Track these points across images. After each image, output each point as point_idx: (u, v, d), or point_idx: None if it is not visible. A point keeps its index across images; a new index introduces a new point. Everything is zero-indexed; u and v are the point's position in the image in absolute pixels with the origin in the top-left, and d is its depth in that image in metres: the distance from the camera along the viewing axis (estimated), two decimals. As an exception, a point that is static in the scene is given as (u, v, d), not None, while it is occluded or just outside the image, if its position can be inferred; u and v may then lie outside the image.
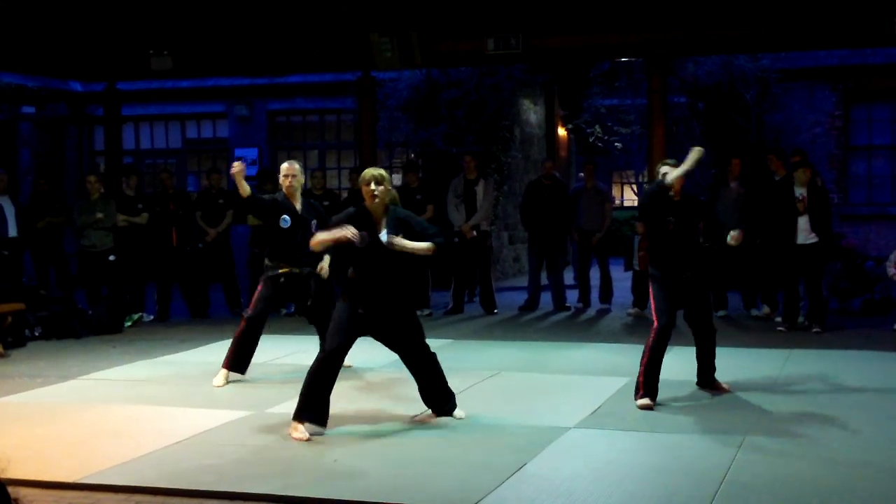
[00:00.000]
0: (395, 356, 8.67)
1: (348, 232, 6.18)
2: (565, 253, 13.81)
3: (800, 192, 10.50)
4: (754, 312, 11.81)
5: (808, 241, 10.49)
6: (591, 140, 17.48)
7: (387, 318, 6.47)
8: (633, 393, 7.20)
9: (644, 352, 7.20)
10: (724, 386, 7.60)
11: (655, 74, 11.98)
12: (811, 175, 10.63)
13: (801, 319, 10.78)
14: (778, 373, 8.28)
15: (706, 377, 7.62)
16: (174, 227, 12.59)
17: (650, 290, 7.36)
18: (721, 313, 11.74)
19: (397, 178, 14.83)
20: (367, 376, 8.36)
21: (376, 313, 6.43)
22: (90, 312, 11.37)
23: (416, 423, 6.71)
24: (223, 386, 8.03)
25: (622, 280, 13.34)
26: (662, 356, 7.20)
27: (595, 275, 13.06)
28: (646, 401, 7.03)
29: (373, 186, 6.33)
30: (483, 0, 11.62)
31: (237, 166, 7.79)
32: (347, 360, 7.51)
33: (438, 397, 6.77)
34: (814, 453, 5.82)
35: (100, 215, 11.88)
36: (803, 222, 10.49)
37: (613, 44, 12.23)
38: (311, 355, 9.38)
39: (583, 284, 13.11)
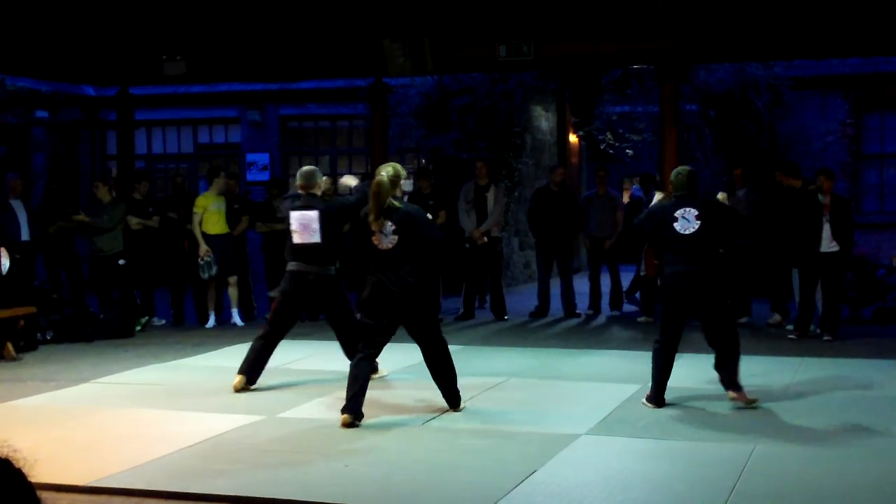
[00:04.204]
0: (408, 363, 8.76)
1: None
2: (573, 259, 13.80)
3: (823, 199, 10.45)
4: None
5: (830, 250, 10.43)
6: (602, 147, 17.48)
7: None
8: (642, 399, 7.32)
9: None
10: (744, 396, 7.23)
11: (667, 82, 11.97)
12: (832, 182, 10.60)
13: (812, 328, 10.73)
14: (789, 381, 8.27)
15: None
16: (185, 232, 12.59)
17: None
18: (743, 320, 11.73)
19: (408, 185, 14.84)
20: (377, 382, 8.36)
21: None
22: (102, 316, 11.41)
23: (427, 429, 6.72)
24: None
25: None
26: None
27: (605, 281, 13.06)
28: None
29: None
30: (495, 7, 11.65)
31: None
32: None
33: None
34: (825, 462, 5.81)
35: (104, 218, 11.95)
36: (825, 230, 10.42)
37: (625, 51, 12.23)
38: (324, 359, 9.46)
39: (594, 291, 13.12)
